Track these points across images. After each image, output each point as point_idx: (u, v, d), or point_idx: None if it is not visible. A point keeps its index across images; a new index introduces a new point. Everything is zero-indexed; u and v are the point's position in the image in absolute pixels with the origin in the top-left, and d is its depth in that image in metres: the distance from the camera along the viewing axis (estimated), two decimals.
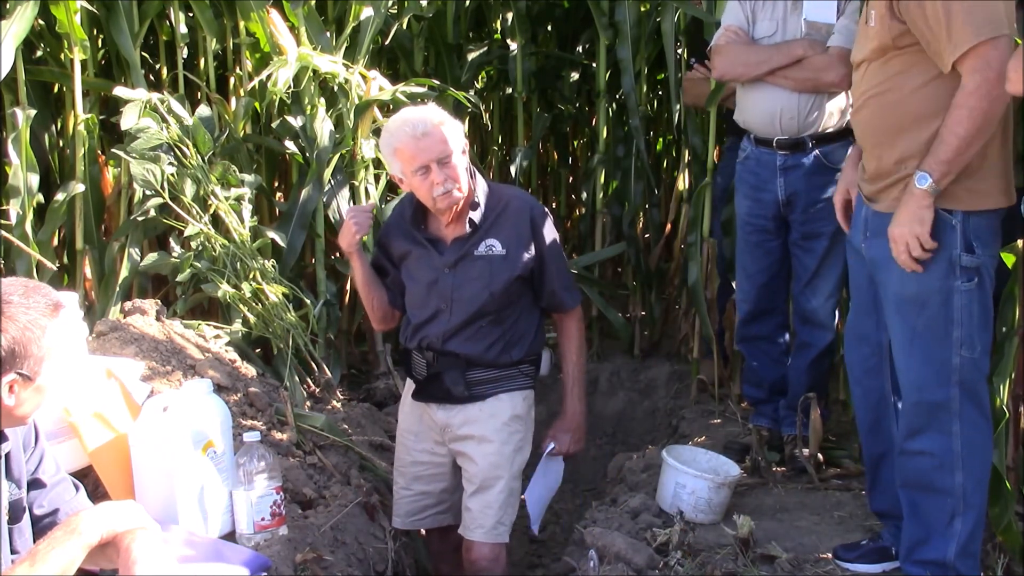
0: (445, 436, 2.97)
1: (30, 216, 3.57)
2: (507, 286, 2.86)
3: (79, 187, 3.76)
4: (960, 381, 2.43)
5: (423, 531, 3.25)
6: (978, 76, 2.27)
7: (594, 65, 4.87)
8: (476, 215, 2.85)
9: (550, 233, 2.92)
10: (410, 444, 3.04)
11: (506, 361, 2.92)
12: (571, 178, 6.22)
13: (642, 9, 4.46)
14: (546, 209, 3.00)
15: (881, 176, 2.52)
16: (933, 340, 2.44)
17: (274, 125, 4.10)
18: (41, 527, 1.99)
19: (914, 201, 2.37)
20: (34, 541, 1.95)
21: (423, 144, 2.74)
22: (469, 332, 2.88)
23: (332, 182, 4.04)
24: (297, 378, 3.62)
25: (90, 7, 3.76)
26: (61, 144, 4.24)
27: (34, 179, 3.57)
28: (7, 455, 1.91)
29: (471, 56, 4.96)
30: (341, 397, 3.84)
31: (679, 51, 4.50)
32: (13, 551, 1.91)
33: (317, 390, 3.75)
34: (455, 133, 2.78)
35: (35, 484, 2.01)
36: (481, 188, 2.88)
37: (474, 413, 2.91)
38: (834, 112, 3.30)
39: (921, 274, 2.43)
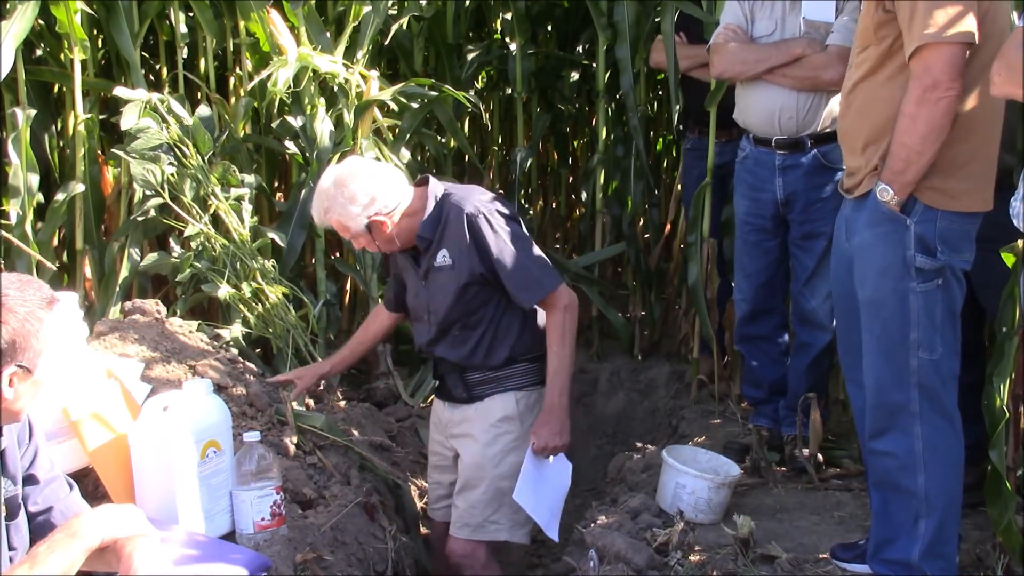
0: (447, 431, 3.13)
1: (30, 216, 3.57)
2: (459, 295, 2.91)
3: (79, 187, 3.76)
4: (919, 383, 2.43)
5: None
6: (916, 83, 2.28)
7: (594, 65, 4.87)
8: (425, 231, 2.91)
9: (496, 234, 2.86)
10: (431, 435, 3.25)
11: (496, 362, 2.98)
12: (571, 178, 6.22)
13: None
14: (487, 204, 2.92)
15: (858, 170, 2.53)
16: (891, 341, 2.44)
17: (274, 125, 4.10)
18: (35, 525, 1.99)
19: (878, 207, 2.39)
20: (30, 539, 1.95)
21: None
22: (448, 339, 3.00)
23: None
24: None
25: (88, 9, 3.75)
26: (61, 144, 4.24)
27: (34, 179, 3.58)
28: (2, 451, 1.91)
29: (471, 56, 4.97)
30: (341, 397, 3.84)
31: None
32: (10, 547, 1.91)
33: (317, 390, 3.75)
34: (345, 219, 2.85)
35: (29, 480, 2.00)
36: (431, 203, 2.91)
37: (470, 413, 3.04)
38: (833, 112, 3.30)
39: (877, 276, 2.43)
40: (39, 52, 4.11)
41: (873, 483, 2.62)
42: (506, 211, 2.95)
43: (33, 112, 3.62)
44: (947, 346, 2.44)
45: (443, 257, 2.91)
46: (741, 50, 3.39)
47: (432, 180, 2.99)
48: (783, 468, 3.49)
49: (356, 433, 3.46)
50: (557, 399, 2.92)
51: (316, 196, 2.92)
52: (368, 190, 2.84)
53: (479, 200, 2.93)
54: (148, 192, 3.50)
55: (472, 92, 4.80)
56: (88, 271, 3.97)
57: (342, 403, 3.76)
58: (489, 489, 2.95)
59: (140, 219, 3.68)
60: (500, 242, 2.87)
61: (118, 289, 3.74)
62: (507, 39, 5.02)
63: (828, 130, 3.30)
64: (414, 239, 2.93)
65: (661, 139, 5.89)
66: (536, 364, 3.01)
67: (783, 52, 3.30)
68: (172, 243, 3.60)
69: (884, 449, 2.51)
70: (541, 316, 3.02)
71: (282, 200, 4.46)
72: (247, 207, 3.62)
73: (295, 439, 3.11)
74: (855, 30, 3.22)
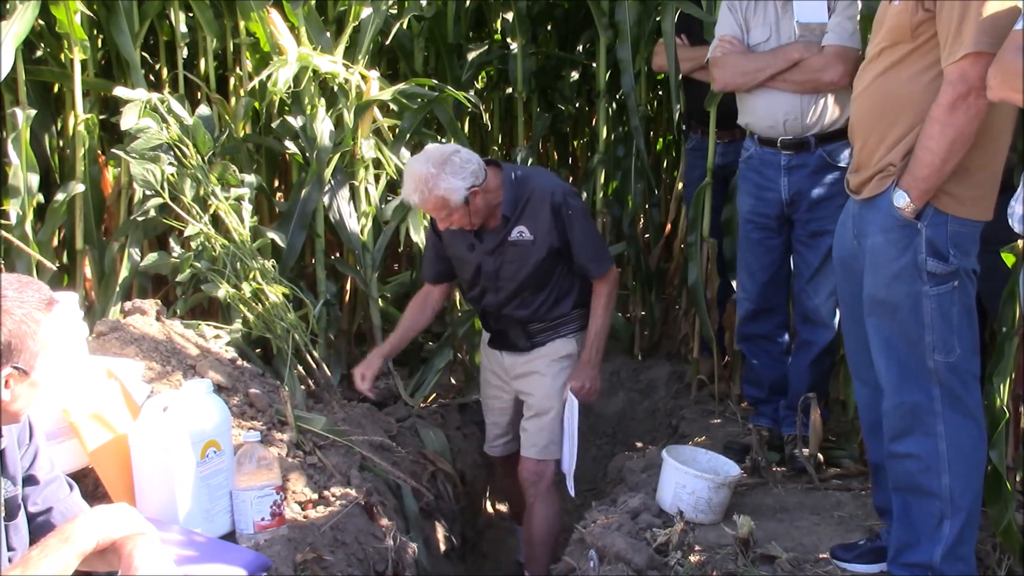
0: (509, 375, 3.54)
1: (30, 216, 3.58)
2: (539, 265, 3.35)
3: (79, 187, 3.76)
4: (940, 383, 2.41)
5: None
6: (950, 89, 2.25)
7: (594, 65, 4.87)
8: (505, 210, 3.31)
9: (574, 213, 3.33)
10: (487, 379, 3.68)
11: (558, 315, 3.44)
12: (571, 178, 6.21)
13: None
14: (568, 189, 3.42)
15: (863, 166, 2.52)
16: (906, 345, 2.43)
17: (274, 125, 4.10)
18: (35, 525, 1.99)
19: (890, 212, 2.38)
20: (30, 539, 1.95)
21: (422, 208, 3.35)
22: (517, 302, 3.42)
23: (332, 182, 4.03)
24: (297, 378, 3.62)
25: (88, 10, 3.74)
26: (61, 144, 4.24)
27: (34, 179, 3.58)
28: (2, 452, 1.91)
29: (471, 56, 4.95)
30: (341, 397, 3.84)
31: None
32: (9, 547, 1.91)
33: (317, 390, 3.75)
34: (449, 192, 3.17)
35: (29, 481, 2.00)
36: (507, 183, 3.31)
37: (533, 355, 3.48)
38: (836, 111, 3.31)
39: (890, 279, 2.42)
40: (39, 52, 4.11)
41: (894, 487, 2.58)
42: (574, 190, 3.50)
43: (33, 112, 3.61)
44: (965, 347, 2.42)
45: (520, 233, 3.33)
46: (740, 61, 3.41)
47: (503, 163, 3.43)
48: (783, 468, 3.49)
49: (356, 433, 3.46)
50: (594, 355, 3.44)
51: (414, 180, 3.19)
52: (465, 165, 3.21)
53: (557, 184, 3.41)
54: (148, 192, 3.49)
55: (472, 92, 4.79)
56: (88, 271, 3.97)
57: (342, 403, 3.76)
58: (556, 416, 3.41)
59: (140, 219, 3.68)
60: (578, 223, 3.34)
61: (118, 289, 3.74)
62: (507, 39, 5.01)
63: (832, 129, 3.31)
64: (489, 214, 3.32)
65: (661, 139, 5.89)
66: (584, 310, 3.47)
67: (781, 58, 3.32)
68: (172, 243, 3.59)
69: (906, 451, 2.49)
70: None
71: (282, 200, 4.46)
72: (247, 207, 3.62)
73: (296, 438, 3.11)
74: (850, 28, 3.24)
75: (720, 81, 3.52)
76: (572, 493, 3.48)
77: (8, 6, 3.40)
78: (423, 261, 3.78)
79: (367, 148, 4.02)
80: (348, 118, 3.96)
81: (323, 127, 3.90)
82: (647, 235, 5.18)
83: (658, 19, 4.23)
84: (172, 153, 3.47)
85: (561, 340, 3.46)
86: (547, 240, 3.32)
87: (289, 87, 3.72)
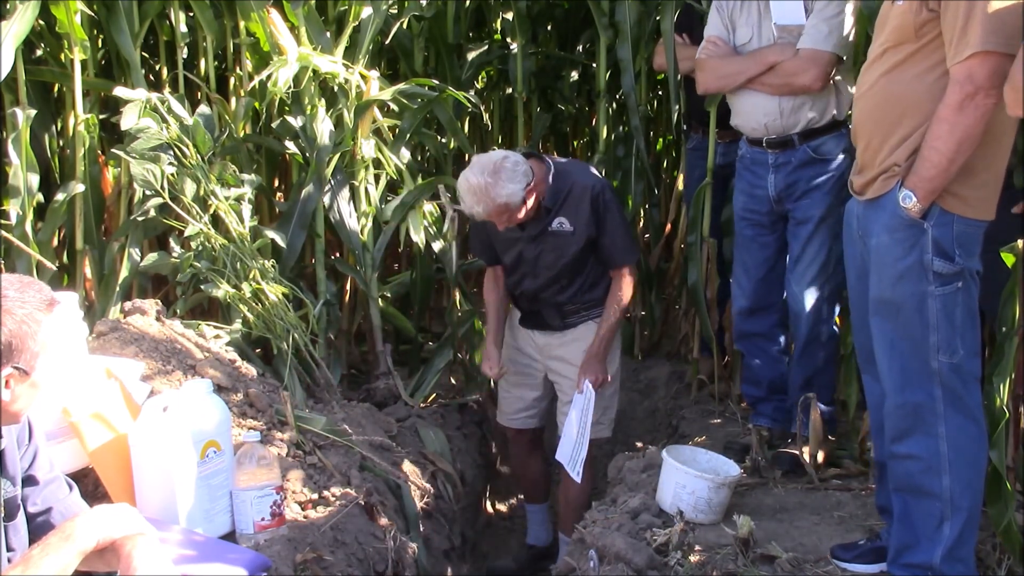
0: (543, 355, 3.73)
1: (30, 216, 3.57)
2: (576, 255, 3.53)
3: (79, 187, 3.76)
4: (942, 384, 2.41)
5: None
6: (957, 89, 2.24)
7: (594, 65, 4.87)
8: (547, 202, 3.48)
9: (610, 206, 3.51)
10: (514, 357, 3.80)
11: (590, 299, 3.63)
12: None
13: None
14: (605, 182, 3.61)
15: (866, 166, 2.51)
16: (910, 346, 2.43)
17: (274, 125, 4.10)
18: (35, 525, 1.99)
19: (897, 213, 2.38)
20: (29, 539, 1.95)
21: (486, 216, 3.41)
22: (554, 288, 3.60)
23: (332, 182, 4.03)
24: (297, 378, 3.62)
25: (88, 10, 3.74)
26: (61, 144, 4.24)
27: (34, 179, 3.57)
28: (2, 452, 1.91)
29: (471, 56, 4.96)
30: (341, 397, 3.84)
31: None
32: (9, 548, 1.91)
33: (317, 390, 3.75)
34: (510, 197, 3.32)
35: (29, 481, 2.00)
36: (549, 175, 3.46)
37: (566, 339, 3.67)
38: (819, 109, 3.33)
39: (895, 279, 2.42)
40: (39, 52, 4.11)
41: (894, 488, 2.58)
42: (609, 183, 3.69)
43: (33, 112, 3.61)
44: (967, 348, 2.42)
45: (560, 224, 3.50)
46: (720, 65, 3.46)
47: (544, 156, 3.59)
48: (783, 468, 3.48)
49: (356, 433, 3.46)
50: (601, 349, 3.59)
51: (474, 193, 3.32)
52: (516, 167, 3.35)
53: (595, 178, 3.57)
54: (148, 192, 3.49)
55: (472, 92, 4.79)
56: (88, 271, 3.97)
57: (342, 403, 3.76)
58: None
59: (140, 219, 3.68)
60: (614, 215, 3.52)
61: (118, 289, 3.73)
62: (507, 39, 5.01)
63: (816, 126, 3.34)
64: (539, 205, 3.46)
65: (661, 139, 5.89)
66: None
67: (758, 62, 3.36)
68: (172, 243, 3.59)
69: (907, 452, 2.48)
70: None
71: (282, 200, 4.45)
72: (247, 207, 3.61)
73: (296, 438, 3.11)
74: (825, 31, 3.25)
75: (702, 84, 3.60)
76: (577, 478, 3.57)
77: (8, 6, 3.40)
78: (475, 248, 3.93)
79: (367, 148, 4.02)
80: (348, 118, 3.96)
81: (323, 127, 3.90)
82: (647, 235, 5.19)
83: (658, 19, 4.24)
84: (172, 153, 3.46)
85: (592, 323, 3.62)
86: (586, 231, 3.49)
87: (289, 87, 3.72)
